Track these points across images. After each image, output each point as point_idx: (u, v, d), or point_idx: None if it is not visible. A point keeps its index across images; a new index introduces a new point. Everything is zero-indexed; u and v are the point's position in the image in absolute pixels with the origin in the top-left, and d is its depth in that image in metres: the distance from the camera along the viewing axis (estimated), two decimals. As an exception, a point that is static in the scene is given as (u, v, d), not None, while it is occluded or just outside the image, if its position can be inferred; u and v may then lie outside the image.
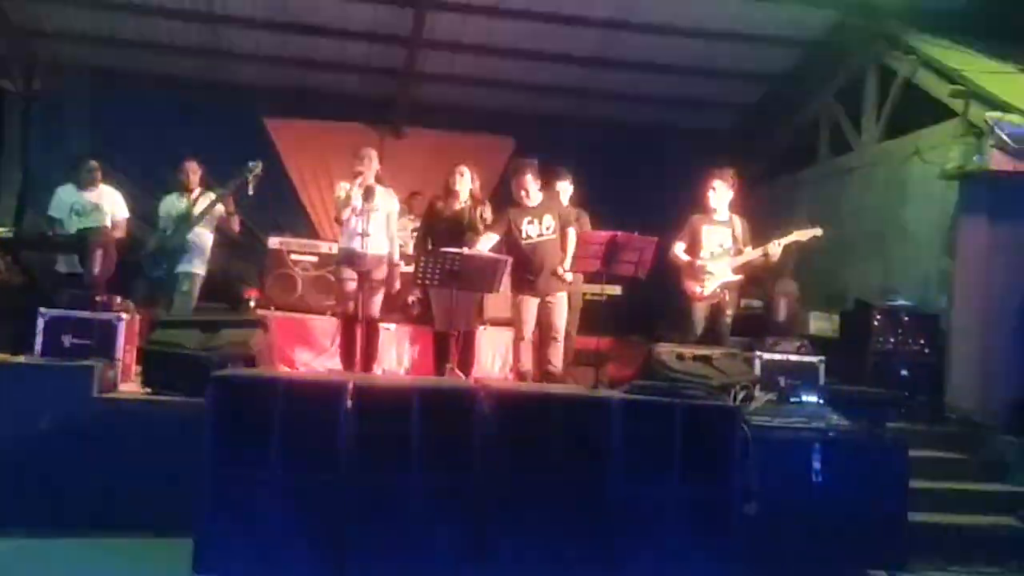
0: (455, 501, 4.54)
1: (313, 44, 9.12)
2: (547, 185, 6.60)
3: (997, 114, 6.44)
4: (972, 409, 6.53)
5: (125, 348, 5.49)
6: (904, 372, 6.74)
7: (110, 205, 7.06)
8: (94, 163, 7.17)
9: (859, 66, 8.40)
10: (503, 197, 6.96)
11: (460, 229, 6.51)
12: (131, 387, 5.48)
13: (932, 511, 5.44)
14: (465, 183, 6.61)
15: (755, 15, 8.02)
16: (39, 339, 5.27)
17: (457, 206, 6.60)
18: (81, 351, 5.25)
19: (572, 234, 6.39)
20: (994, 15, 7.65)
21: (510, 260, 6.13)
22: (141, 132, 9.27)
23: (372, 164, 6.45)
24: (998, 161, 6.41)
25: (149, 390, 5.32)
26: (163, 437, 4.81)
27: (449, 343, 6.21)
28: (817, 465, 4.82)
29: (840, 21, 8.34)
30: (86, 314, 5.38)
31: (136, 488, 4.71)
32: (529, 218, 6.35)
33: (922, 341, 6.84)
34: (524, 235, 6.33)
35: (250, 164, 6.76)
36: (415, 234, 8.17)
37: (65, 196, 7.01)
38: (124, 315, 5.50)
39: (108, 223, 6.95)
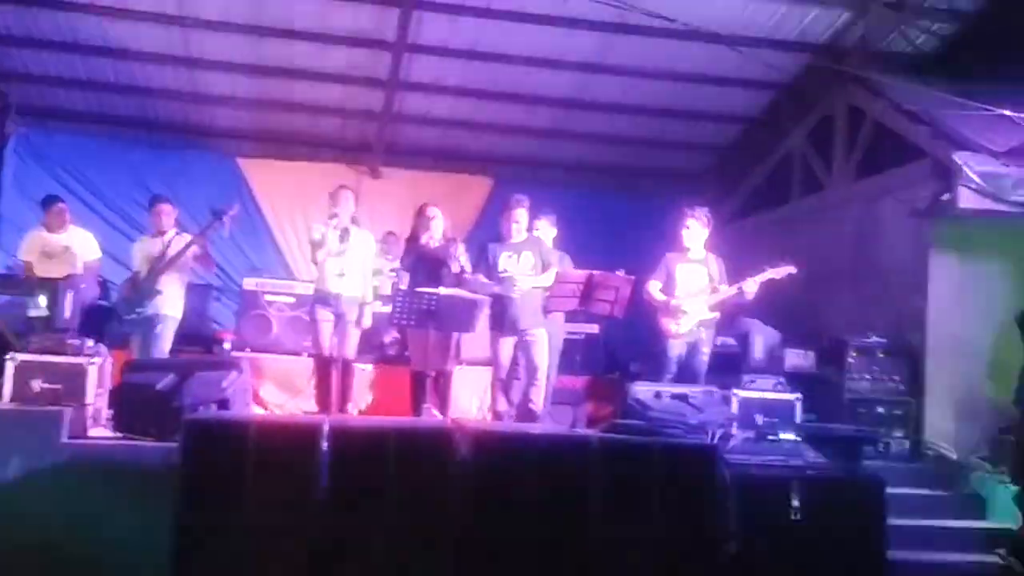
0: (432, 542, 4.49)
1: (289, 87, 9.16)
2: (529, 224, 6.63)
3: (965, 154, 6.56)
4: (950, 446, 6.56)
5: (97, 392, 5.40)
6: (880, 409, 6.77)
7: (81, 247, 7.01)
8: (62, 205, 7.15)
9: (830, 108, 8.55)
10: (482, 235, 7.00)
11: (437, 268, 6.51)
12: (102, 432, 5.39)
13: (912, 549, 5.42)
14: (439, 223, 6.62)
15: (726, 59, 8.15)
16: (8, 384, 5.18)
17: (433, 245, 6.61)
18: (51, 396, 5.15)
19: (552, 272, 6.39)
20: (960, 58, 7.85)
21: (488, 300, 6.13)
22: (116, 174, 9.25)
23: (348, 205, 6.47)
24: (966, 199, 6.50)
25: (120, 434, 5.23)
26: (134, 482, 4.72)
27: (426, 383, 6.19)
28: (796, 503, 4.81)
29: (810, 64, 8.50)
30: (56, 358, 5.29)
31: (106, 535, 4.60)
32: (509, 254, 6.35)
33: (897, 378, 6.88)
34: (503, 271, 6.33)
35: (224, 207, 6.77)
36: (393, 274, 8.19)
37: (34, 239, 6.98)
38: (95, 359, 5.41)
39: (79, 265, 6.89)
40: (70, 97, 9.32)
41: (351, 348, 6.47)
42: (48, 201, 7.18)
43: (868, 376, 6.85)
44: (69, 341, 5.45)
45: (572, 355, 6.66)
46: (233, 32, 8.32)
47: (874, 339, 7.05)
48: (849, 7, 7.90)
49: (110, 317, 6.80)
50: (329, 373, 6.35)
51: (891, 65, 7.93)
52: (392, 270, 8.27)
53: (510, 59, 8.62)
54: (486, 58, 8.62)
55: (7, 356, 5.20)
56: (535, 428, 5.76)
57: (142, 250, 6.94)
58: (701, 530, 4.68)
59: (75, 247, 6.97)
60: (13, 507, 4.66)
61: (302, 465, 4.47)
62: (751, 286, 6.42)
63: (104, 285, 7.23)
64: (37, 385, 5.18)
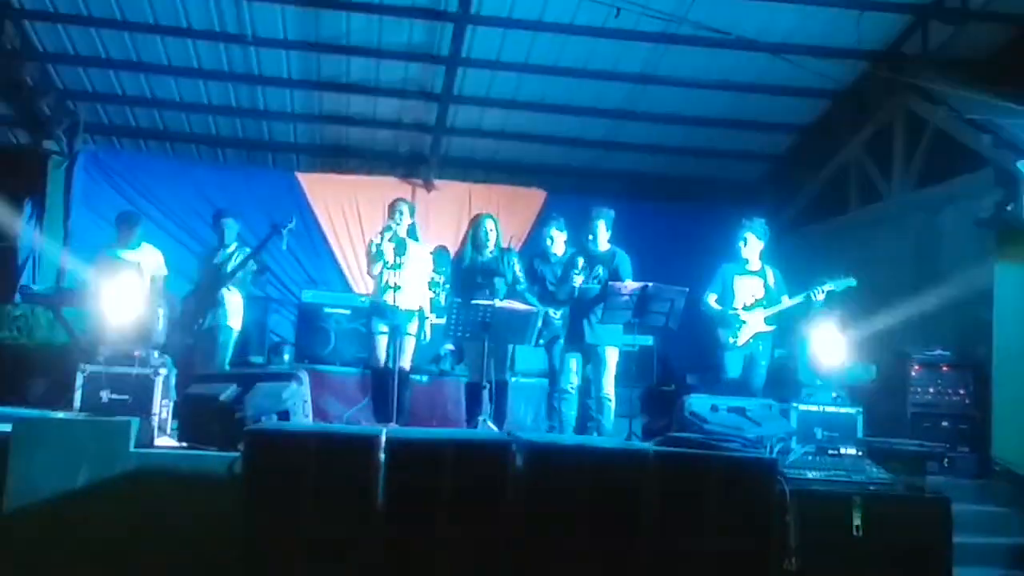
0: (488, 553, 4.50)
1: (345, 101, 9.32)
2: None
3: (1030, 161, 6.41)
4: (1018, 461, 6.38)
5: (162, 403, 5.54)
6: (944, 423, 6.62)
7: (151, 262, 7.20)
8: (135, 221, 7.34)
9: (888, 116, 8.40)
10: (537, 246, 7.03)
11: (492, 279, 6.55)
12: (167, 441, 5.52)
13: (978, 567, 5.29)
14: (494, 233, 6.68)
15: (782, 68, 8.07)
16: (78, 394, 5.35)
17: (488, 255, 6.65)
18: (119, 406, 5.30)
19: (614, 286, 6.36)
20: (1021, 64, 7.66)
21: (542, 312, 6.15)
22: (180, 190, 9.48)
23: (404, 218, 6.53)
24: (1032, 209, 6.36)
25: (185, 444, 5.35)
26: (199, 490, 4.82)
27: (481, 394, 6.21)
28: (857, 519, 4.72)
29: (868, 72, 8.37)
30: (124, 369, 5.44)
31: (171, 541, 4.71)
32: (583, 264, 6.38)
33: (962, 391, 6.72)
34: (575, 281, 6.35)
35: (283, 221, 6.92)
36: (446, 286, 8.25)
37: (108, 254, 7.19)
38: (161, 370, 5.56)
39: (148, 280, 7.08)
40: (135, 115, 9.59)
41: (407, 360, 6.53)
42: (122, 217, 7.38)
43: (932, 389, 6.70)
44: (136, 353, 5.59)
45: (627, 367, 6.61)
46: (291, 48, 8.50)
47: (938, 352, 6.90)
48: (907, 13, 7.77)
49: (174, 330, 6.94)
50: (386, 385, 6.41)
51: (951, 72, 7.77)
52: (446, 282, 8.34)
53: (563, 71, 8.65)
54: (538, 71, 8.67)
55: (78, 368, 5.37)
56: (591, 440, 5.76)
57: (205, 263, 7.11)
58: (760, 546, 4.61)
59: (146, 262, 7.17)
60: (82, 513, 4.79)
61: (361, 476, 4.51)
62: (820, 294, 6.32)
63: (169, 298, 7.40)
64: (106, 396, 5.34)
